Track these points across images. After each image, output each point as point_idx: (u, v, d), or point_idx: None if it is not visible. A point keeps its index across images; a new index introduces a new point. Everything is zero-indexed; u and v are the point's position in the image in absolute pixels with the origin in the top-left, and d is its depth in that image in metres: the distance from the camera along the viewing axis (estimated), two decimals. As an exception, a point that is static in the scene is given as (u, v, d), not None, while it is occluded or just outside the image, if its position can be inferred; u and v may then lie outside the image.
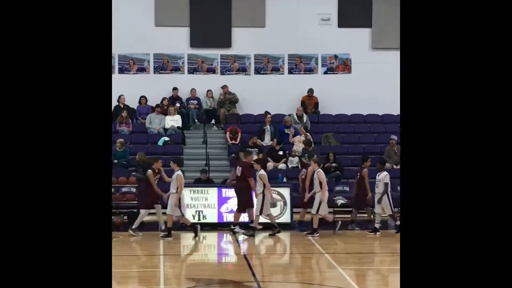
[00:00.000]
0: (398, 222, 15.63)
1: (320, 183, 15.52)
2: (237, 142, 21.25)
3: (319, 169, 15.79)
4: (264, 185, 15.54)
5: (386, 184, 15.66)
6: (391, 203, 15.74)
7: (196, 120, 22.50)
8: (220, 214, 16.76)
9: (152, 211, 16.09)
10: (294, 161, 20.28)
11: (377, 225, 15.84)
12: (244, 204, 15.98)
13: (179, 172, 15.41)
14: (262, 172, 15.69)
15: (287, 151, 20.56)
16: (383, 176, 15.78)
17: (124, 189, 17.71)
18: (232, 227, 16.01)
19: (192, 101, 22.92)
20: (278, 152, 20.48)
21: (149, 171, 15.97)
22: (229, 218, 16.68)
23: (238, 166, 16.40)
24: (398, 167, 18.35)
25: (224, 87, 22.81)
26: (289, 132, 21.31)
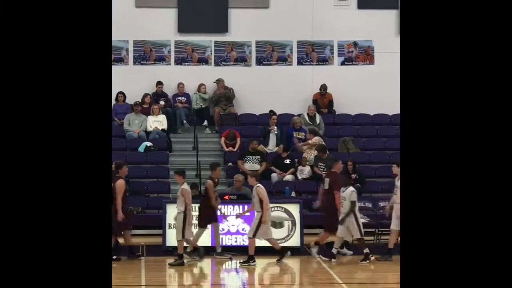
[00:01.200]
0: (366, 249, 15.66)
1: (261, 201, 15.43)
2: (235, 149, 21.25)
3: (259, 184, 15.69)
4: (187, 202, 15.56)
5: (352, 202, 15.64)
6: (360, 225, 15.68)
7: (185, 122, 22.51)
8: (214, 236, 16.74)
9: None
10: (304, 172, 20.27)
11: (334, 250, 15.77)
12: (330, 224, 16.10)
13: None
14: (184, 186, 15.58)
15: (296, 159, 20.56)
16: (349, 193, 15.72)
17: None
18: (335, 248, 16.07)
19: (180, 98, 22.93)
20: (285, 161, 20.48)
21: (209, 181, 16.08)
22: (226, 241, 16.68)
23: (325, 178, 16.71)
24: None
25: (219, 81, 22.81)
26: (300, 137, 21.30)
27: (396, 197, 15.68)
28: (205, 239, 16.62)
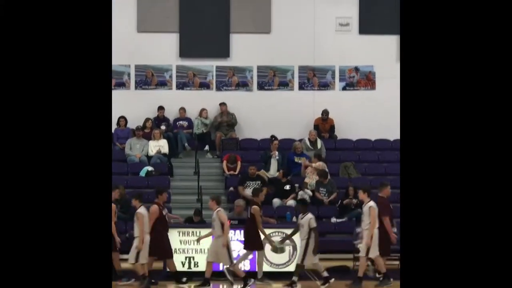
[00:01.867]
0: (295, 278, 15.51)
1: (222, 224, 15.36)
2: (236, 173, 21.25)
3: (219, 208, 15.59)
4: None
5: (312, 229, 15.60)
6: (307, 252, 15.62)
7: (186, 144, 22.51)
8: (215, 261, 16.73)
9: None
10: (305, 197, 20.24)
11: (294, 278, 15.69)
12: (384, 249, 16.09)
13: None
14: (140, 210, 15.50)
15: (296, 185, 20.53)
16: (307, 220, 15.66)
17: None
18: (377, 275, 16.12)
19: (181, 122, 22.96)
20: (285, 186, 20.43)
21: (255, 206, 16.20)
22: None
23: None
24: None
25: (222, 104, 22.85)
26: (300, 162, 21.29)
27: (364, 224, 15.61)
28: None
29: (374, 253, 15.47)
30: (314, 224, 15.68)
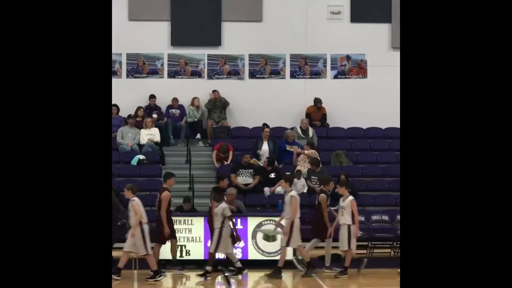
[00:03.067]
0: (208, 267, 15.61)
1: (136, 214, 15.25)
2: (228, 162, 21.26)
3: (134, 198, 15.40)
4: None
5: (226, 218, 15.69)
6: (220, 241, 15.68)
7: (171, 137, 22.44)
8: (207, 250, 16.76)
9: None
10: (298, 185, 20.26)
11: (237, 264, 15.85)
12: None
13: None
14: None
15: (288, 173, 20.49)
16: (221, 209, 15.68)
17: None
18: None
19: (173, 110, 22.95)
20: (270, 175, 20.39)
21: (323, 195, 16.37)
22: (217, 255, 16.68)
23: None
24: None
25: (214, 91, 22.84)
26: (292, 150, 21.29)
27: (285, 213, 15.69)
28: (198, 251, 16.63)
29: (296, 243, 15.54)
30: (228, 213, 15.65)
